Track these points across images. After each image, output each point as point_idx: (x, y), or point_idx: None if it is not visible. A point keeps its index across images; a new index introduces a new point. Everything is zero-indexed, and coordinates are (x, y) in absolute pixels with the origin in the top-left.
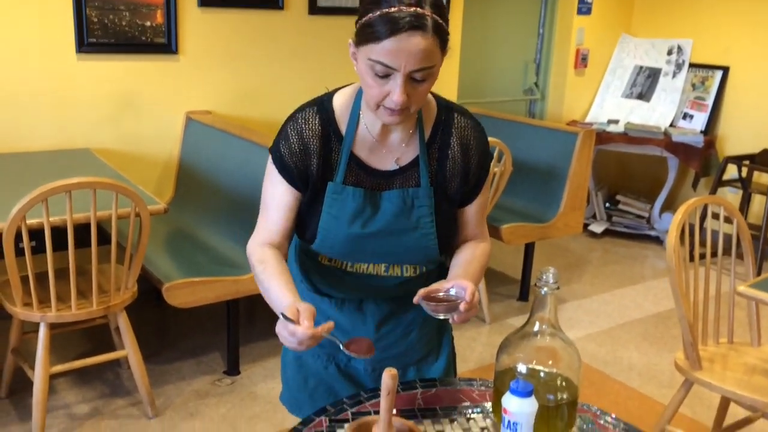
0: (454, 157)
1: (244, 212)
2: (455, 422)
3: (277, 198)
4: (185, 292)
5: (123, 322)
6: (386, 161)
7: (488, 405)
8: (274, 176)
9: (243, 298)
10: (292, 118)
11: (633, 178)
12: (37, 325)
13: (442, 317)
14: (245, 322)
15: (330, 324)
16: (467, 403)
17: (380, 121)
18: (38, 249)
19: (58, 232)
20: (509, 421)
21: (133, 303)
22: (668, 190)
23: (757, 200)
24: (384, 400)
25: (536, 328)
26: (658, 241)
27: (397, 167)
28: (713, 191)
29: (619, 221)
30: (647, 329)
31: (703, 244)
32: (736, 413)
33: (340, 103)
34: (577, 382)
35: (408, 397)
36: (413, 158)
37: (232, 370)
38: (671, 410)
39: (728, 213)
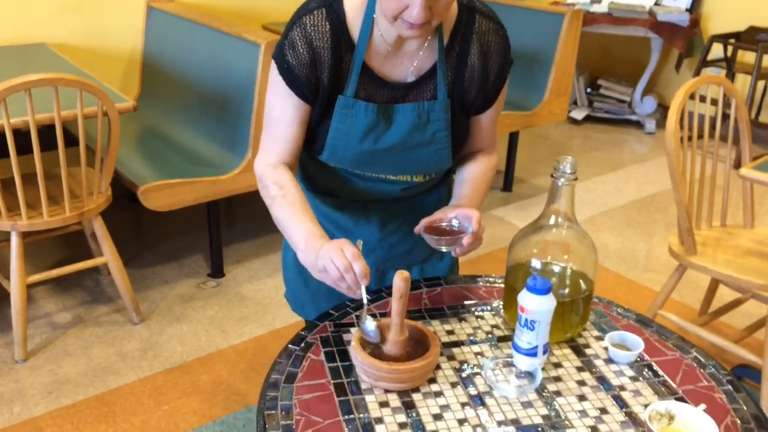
0: (473, 65)
1: (217, 108)
2: (464, 321)
3: (286, 112)
4: (162, 194)
5: (99, 228)
6: (401, 71)
7: (496, 302)
8: (281, 88)
9: (222, 199)
10: (298, 21)
11: (615, 61)
12: (9, 234)
13: (444, 250)
14: (226, 222)
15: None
16: (474, 301)
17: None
18: (0, 153)
19: (20, 134)
20: (526, 320)
21: (108, 208)
22: (650, 73)
23: (740, 80)
24: (396, 304)
25: (551, 221)
26: (639, 125)
27: (414, 78)
28: (697, 72)
29: (600, 107)
30: (630, 215)
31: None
32: (722, 296)
33: (352, 5)
34: (592, 276)
35: (413, 298)
36: (430, 67)
37: (216, 272)
38: (664, 295)
39: (727, 93)
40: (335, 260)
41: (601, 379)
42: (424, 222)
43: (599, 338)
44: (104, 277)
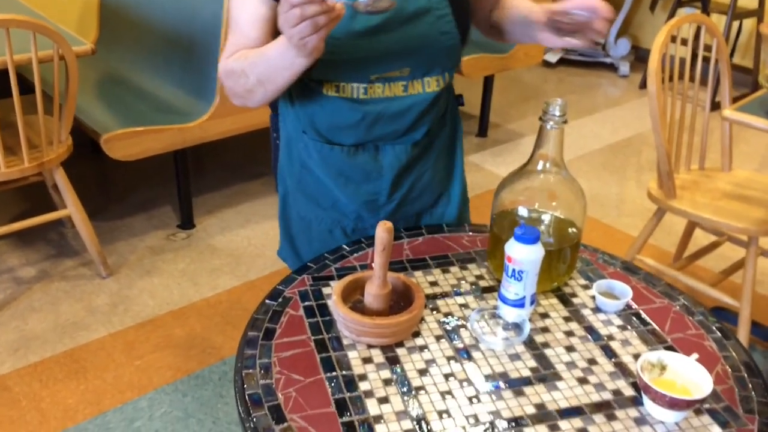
0: None
1: (182, 51)
2: (448, 272)
3: (249, 11)
4: (127, 143)
5: (61, 179)
6: None
7: (481, 251)
8: None
9: (191, 147)
10: None
11: None
12: None
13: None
14: (196, 172)
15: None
16: (458, 251)
17: None
18: None
19: None
20: (513, 270)
21: (70, 157)
22: (625, 14)
23: (715, 20)
24: (378, 256)
25: (539, 166)
26: (613, 68)
27: None
28: (672, 13)
29: (574, 49)
30: (606, 159)
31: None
32: (697, 239)
33: None
34: (580, 223)
35: (394, 248)
36: None
37: (186, 223)
38: (642, 239)
39: (709, 32)
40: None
41: (589, 329)
42: (541, 17)
43: (586, 287)
44: (69, 230)
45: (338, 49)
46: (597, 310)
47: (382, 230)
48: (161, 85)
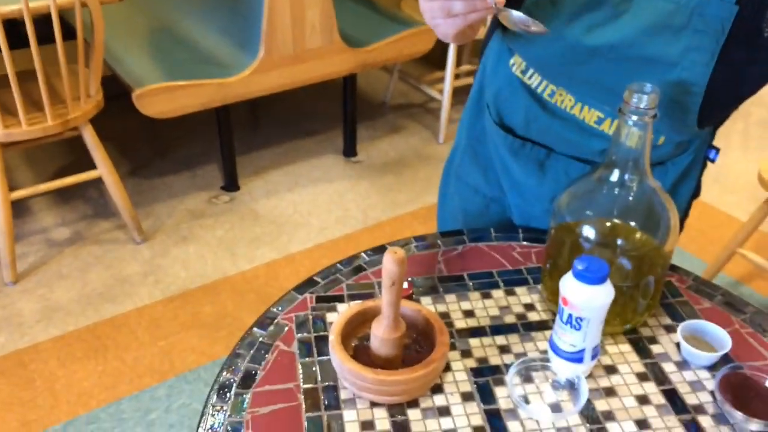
0: None
1: None
2: (489, 298)
3: None
4: (161, 99)
5: (90, 139)
6: None
7: (532, 269)
8: None
9: (235, 103)
10: None
11: None
12: None
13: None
14: (244, 126)
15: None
16: (507, 268)
17: None
18: None
19: None
20: (570, 315)
21: (111, 108)
22: None
23: None
24: (387, 292)
25: (614, 173)
26: None
27: None
28: None
29: None
30: None
31: None
32: None
33: None
34: (669, 248)
35: (425, 261)
36: None
37: (230, 184)
38: (746, 231)
39: None
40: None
41: (672, 395)
42: None
43: (670, 329)
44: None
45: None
46: (684, 363)
47: (391, 261)
48: (205, 34)
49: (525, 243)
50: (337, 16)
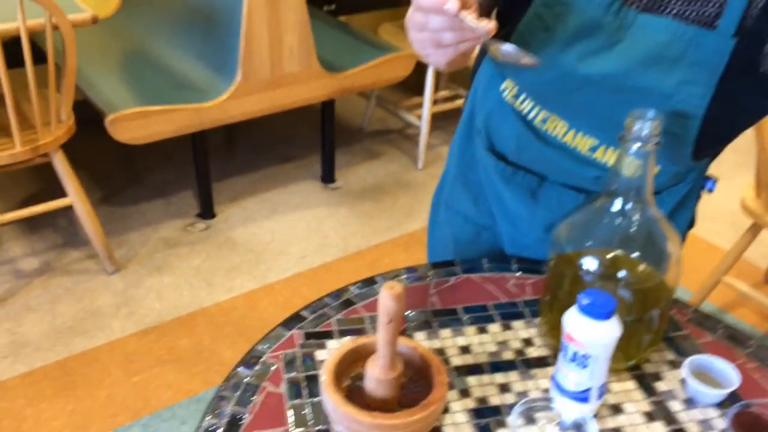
0: None
1: (204, 18)
2: (485, 333)
3: None
4: (134, 124)
5: (60, 165)
6: None
7: (529, 301)
8: None
9: (212, 128)
10: None
11: None
12: None
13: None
14: (219, 152)
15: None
16: (501, 301)
17: None
18: None
19: None
20: (575, 353)
21: (82, 133)
22: None
23: None
24: (384, 331)
25: (616, 203)
26: None
27: None
28: None
29: None
30: None
31: None
32: None
33: None
34: (673, 281)
35: (417, 293)
36: None
37: (206, 212)
38: (731, 259)
39: None
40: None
41: None
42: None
43: (674, 364)
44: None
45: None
46: (691, 401)
47: (388, 297)
48: (181, 58)
49: (519, 274)
50: (315, 41)
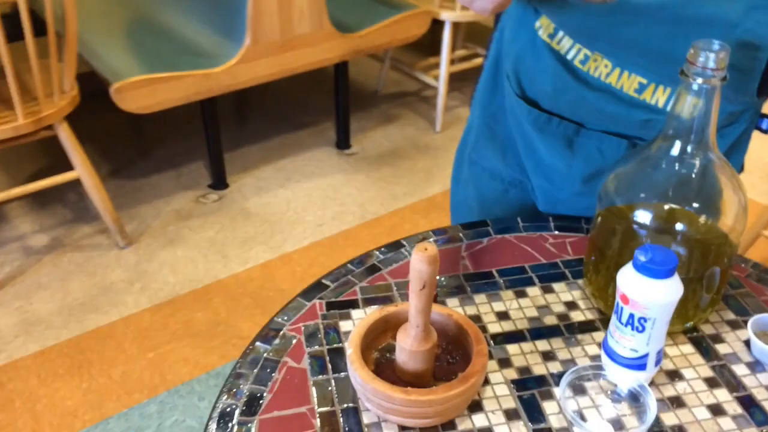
0: None
1: None
2: (524, 297)
3: None
4: (141, 93)
5: (66, 138)
6: None
7: (570, 261)
8: None
9: (231, 94)
10: None
11: None
12: None
13: None
14: (231, 120)
15: None
16: (540, 261)
17: None
18: None
19: None
20: (632, 315)
21: (89, 106)
22: None
23: None
24: (416, 297)
25: (675, 147)
26: None
27: None
28: None
29: None
30: None
31: None
32: None
33: None
34: (737, 234)
35: (448, 256)
36: None
37: (218, 182)
38: None
39: None
40: None
41: (749, 403)
42: None
43: (735, 324)
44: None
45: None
46: (757, 364)
47: (422, 260)
48: (187, 23)
49: (557, 233)
50: (327, 1)
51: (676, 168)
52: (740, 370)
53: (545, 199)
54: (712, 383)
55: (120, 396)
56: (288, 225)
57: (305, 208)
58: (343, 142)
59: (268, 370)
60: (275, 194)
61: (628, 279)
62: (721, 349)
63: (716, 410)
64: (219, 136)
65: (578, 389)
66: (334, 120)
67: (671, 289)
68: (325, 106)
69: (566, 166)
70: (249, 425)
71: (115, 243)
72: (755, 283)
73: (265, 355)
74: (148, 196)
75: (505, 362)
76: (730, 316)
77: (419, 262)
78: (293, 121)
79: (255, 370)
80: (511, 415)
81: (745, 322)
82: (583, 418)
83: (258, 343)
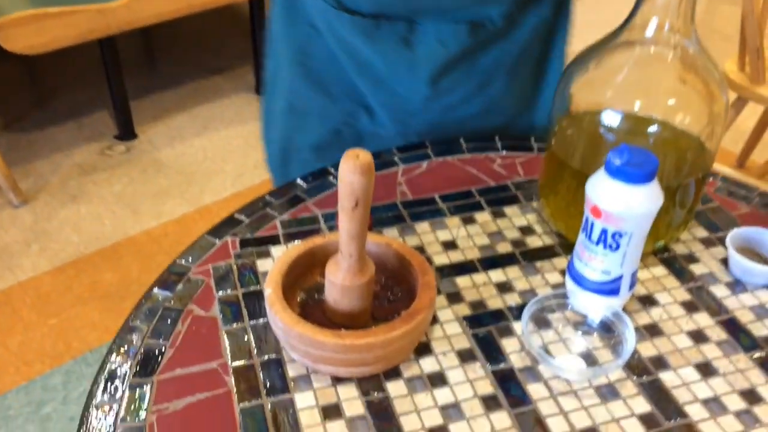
0: None
1: None
2: (473, 223)
3: None
4: (28, 30)
5: None
6: None
7: (522, 183)
8: None
9: (123, 35)
10: None
11: None
12: None
13: None
14: (136, 68)
15: None
16: (489, 184)
17: None
18: None
19: None
20: (604, 231)
21: None
22: None
23: None
24: (348, 219)
25: (648, 32)
26: None
27: None
28: None
29: None
30: None
31: None
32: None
33: None
34: (715, 140)
35: (382, 182)
36: None
37: (125, 133)
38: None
39: None
40: None
41: (731, 326)
42: None
43: (709, 242)
44: None
45: None
46: (737, 284)
47: (353, 169)
48: None
49: (505, 153)
50: None
51: (648, 54)
52: (719, 291)
53: (394, 118)
54: (690, 307)
55: (19, 368)
56: (205, 176)
57: (224, 158)
58: (263, 87)
59: (169, 321)
60: (191, 144)
61: (600, 187)
62: (696, 269)
63: (698, 337)
64: (123, 81)
65: (542, 322)
66: (252, 64)
67: (651, 196)
68: (241, 49)
69: (408, 69)
70: (144, 387)
71: (8, 201)
72: (726, 197)
73: (165, 303)
74: (46, 150)
75: (455, 297)
76: (703, 233)
77: (350, 172)
78: (208, 65)
79: (153, 323)
80: (465, 357)
81: (720, 240)
82: (549, 354)
83: (156, 290)
